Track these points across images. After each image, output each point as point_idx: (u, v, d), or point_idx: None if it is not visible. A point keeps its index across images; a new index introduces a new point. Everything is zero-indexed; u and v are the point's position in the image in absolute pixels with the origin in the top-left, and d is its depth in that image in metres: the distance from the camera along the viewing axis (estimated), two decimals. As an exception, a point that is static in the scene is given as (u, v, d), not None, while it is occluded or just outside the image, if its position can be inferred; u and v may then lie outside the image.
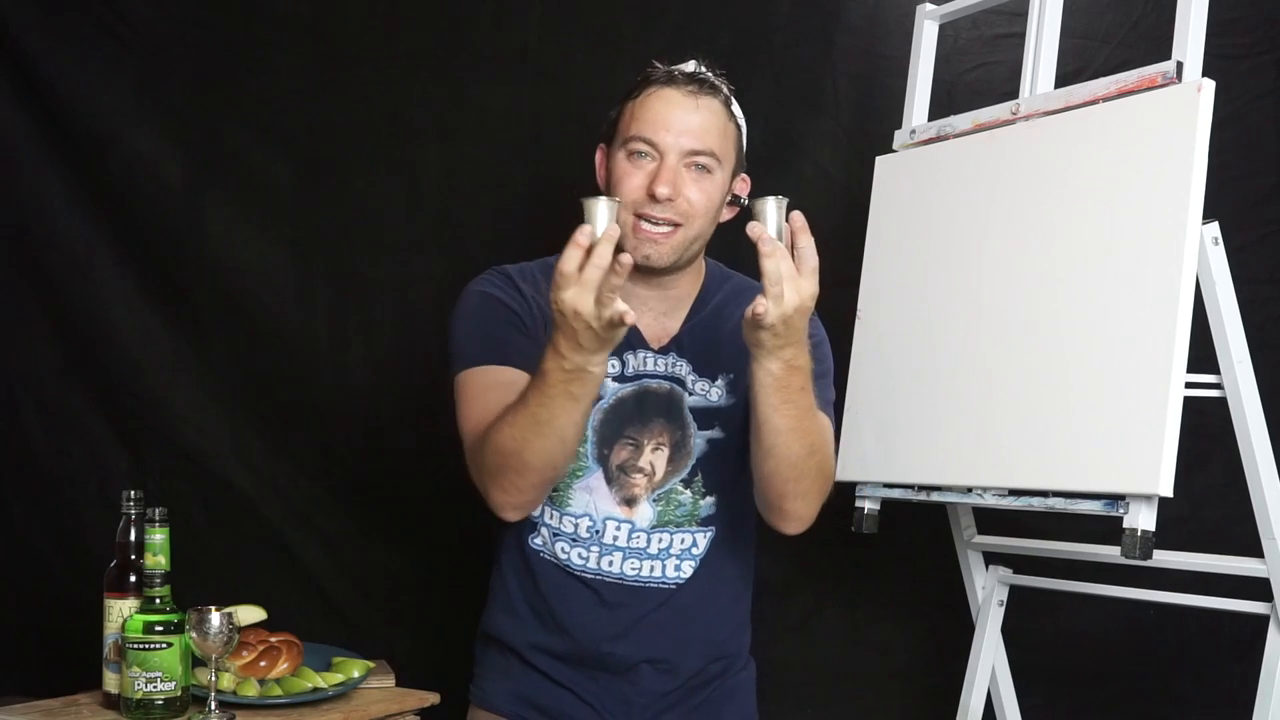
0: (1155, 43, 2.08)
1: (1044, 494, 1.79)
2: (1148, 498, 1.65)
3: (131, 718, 1.78)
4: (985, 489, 1.87)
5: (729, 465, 1.75)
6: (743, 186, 1.79)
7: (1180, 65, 1.74)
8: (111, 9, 2.51)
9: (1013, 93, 1.98)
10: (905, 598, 2.39)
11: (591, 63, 2.44)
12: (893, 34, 2.32)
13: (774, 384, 1.54)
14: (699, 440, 1.75)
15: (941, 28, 2.18)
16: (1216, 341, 1.77)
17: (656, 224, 1.68)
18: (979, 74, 2.33)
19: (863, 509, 2.06)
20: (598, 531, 1.75)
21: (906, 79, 2.17)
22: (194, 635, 1.73)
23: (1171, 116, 1.72)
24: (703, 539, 1.76)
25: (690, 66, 1.74)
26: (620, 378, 1.75)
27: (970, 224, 1.98)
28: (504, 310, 1.76)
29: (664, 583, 1.76)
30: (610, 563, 1.75)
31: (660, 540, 1.74)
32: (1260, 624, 1.80)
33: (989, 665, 2.14)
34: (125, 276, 2.53)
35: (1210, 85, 1.70)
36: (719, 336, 1.76)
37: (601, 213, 1.48)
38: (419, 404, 2.43)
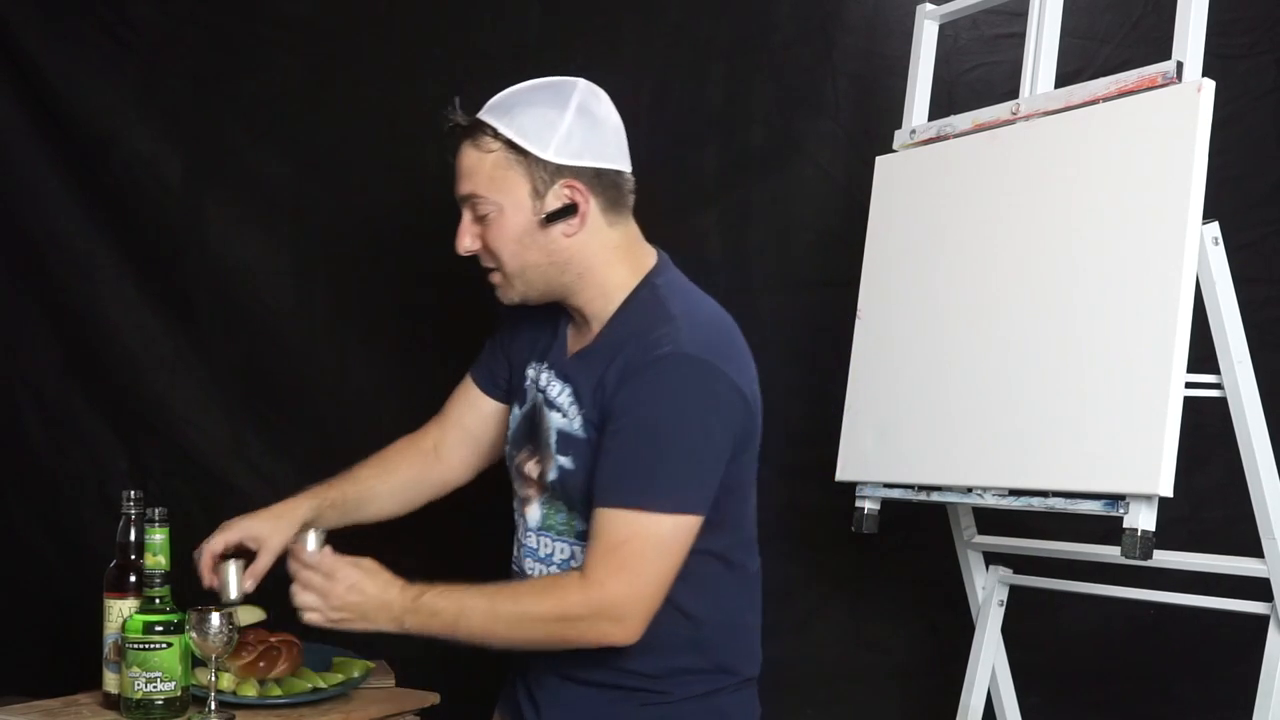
0: (1155, 43, 2.08)
1: (1044, 494, 1.79)
2: (1148, 498, 1.65)
3: (131, 718, 1.78)
4: (985, 489, 1.87)
5: (577, 496, 1.65)
6: (570, 192, 1.61)
7: (1180, 65, 1.74)
8: (111, 9, 2.51)
9: (1013, 93, 1.99)
10: (905, 598, 2.39)
11: (591, 63, 2.43)
12: (893, 34, 2.32)
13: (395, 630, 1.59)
14: (553, 464, 1.67)
15: (941, 28, 2.18)
16: (1216, 341, 1.77)
17: (488, 272, 1.68)
18: (979, 74, 2.33)
19: (863, 509, 2.07)
20: (516, 525, 1.75)
21: (906, 79, 2.17)
22: (194, 635, 1.73)
23: (1171, 116, 1.72)
24: (581, 554, 1.65)
25: (447, 125, 1.66)
26: (534, 383, 1.74)
27: (970, 224, 1.98)
28: (500, 317, 1.84)
29: None
30: (519, 559, 1.74)
31: (545, 545, 1.70)
32: (1260, 624, 1.80)
33: (989, 665, 2.14)
34: (125, 276, 2.53)
35: (1210, 85, 1.70)
36: (597, 367, 1.63)
37: (231, 577, 1.67)
38: (419, 404, 2.42)
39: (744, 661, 1.73)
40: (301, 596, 1.60)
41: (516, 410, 1.78)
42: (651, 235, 1.77)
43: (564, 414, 1.66)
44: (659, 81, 2.42)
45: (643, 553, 1.53)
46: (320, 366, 2.53)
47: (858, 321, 2.11)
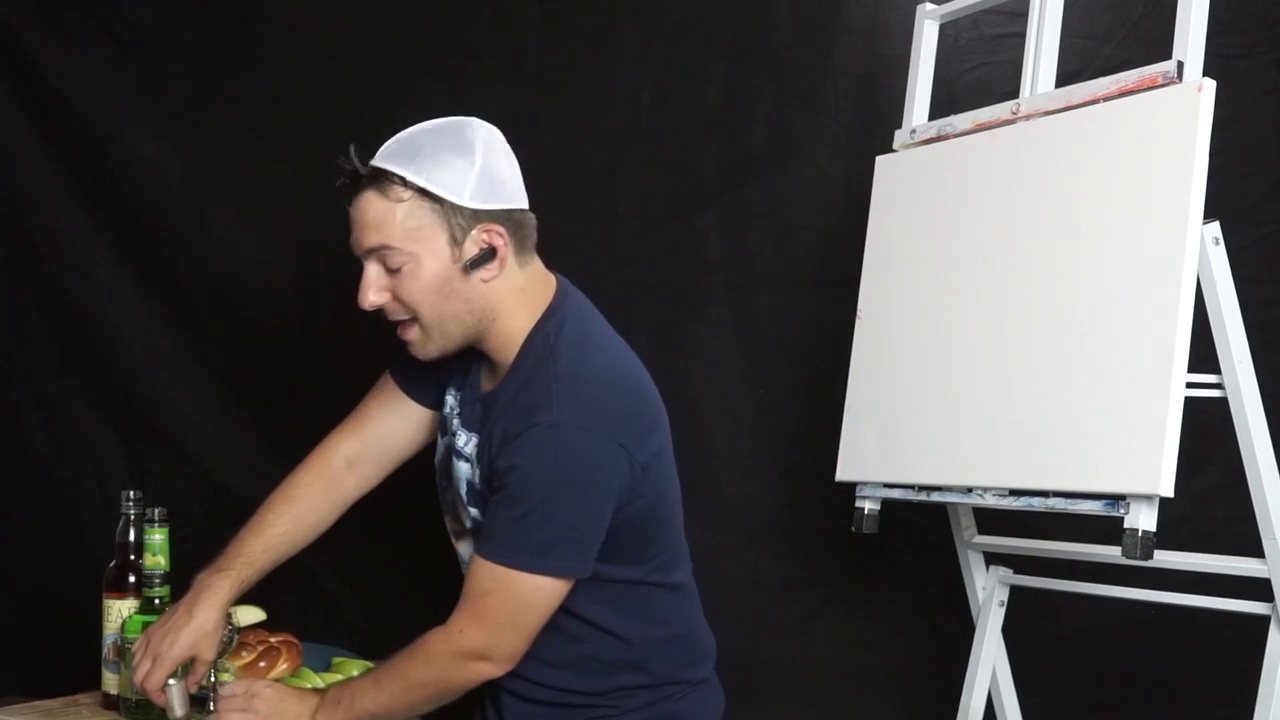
0: (1155, 43, 2.08)
1: (1044, 494, 1.79)
2: (1148, 498, 1.65)
3: (131, 718, 1.78)
4: (985, 489, 1.87)
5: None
6: (488, 236, 1.59)
7: (1180, 65, 1.74)
8: (111, 9, 2.51)
9: (1013, 93, 1.99)
10: (905, 598, 2.39)
11: (591, 63, 2.44)
12: (893, 34, 2.32)
13: None
14: (468, 513, 1.69)
15: (941, 28, 2.18)
16: (1217, 341, 1.77)
17: (397, 325, 1.64)
18: (979, 74, 2.33)
19: (863, 509, 2.07)
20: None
21: (906, 79, 2.17)
22: (194, 635, 1.73)
23: (1171, 116, 1.72)
24: None
25: (342, 177, 1.60)
26: (454, 414, 1.73)
27: (971, 224, 1.98)
28: None
29: None
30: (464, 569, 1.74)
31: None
32: (1260, 624, 1.80)
33: (989, 665, 2.14)
34: (125, 276, 2.53)
35: (1210, 85, 1.70)
36: (490, 417, 1.64)
37: (176, 697, 1.67)
38: (419, 404, 2.43)
39: (687, 669, 1.75)
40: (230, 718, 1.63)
41: (440, 440, 1.75)
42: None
43: (471, 465, 1.67)
44: (659, 81, 2.42)
45: (501, 607, 1.58)
46: (320, 366, 2.53)
47: (858, 321, 2.11)
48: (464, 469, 1.67)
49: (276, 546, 1.79)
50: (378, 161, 1.58)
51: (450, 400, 1.74)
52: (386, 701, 1.62)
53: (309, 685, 1.94)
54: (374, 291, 1.61)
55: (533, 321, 1.64)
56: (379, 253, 1.59)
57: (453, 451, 1.70)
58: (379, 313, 1.66)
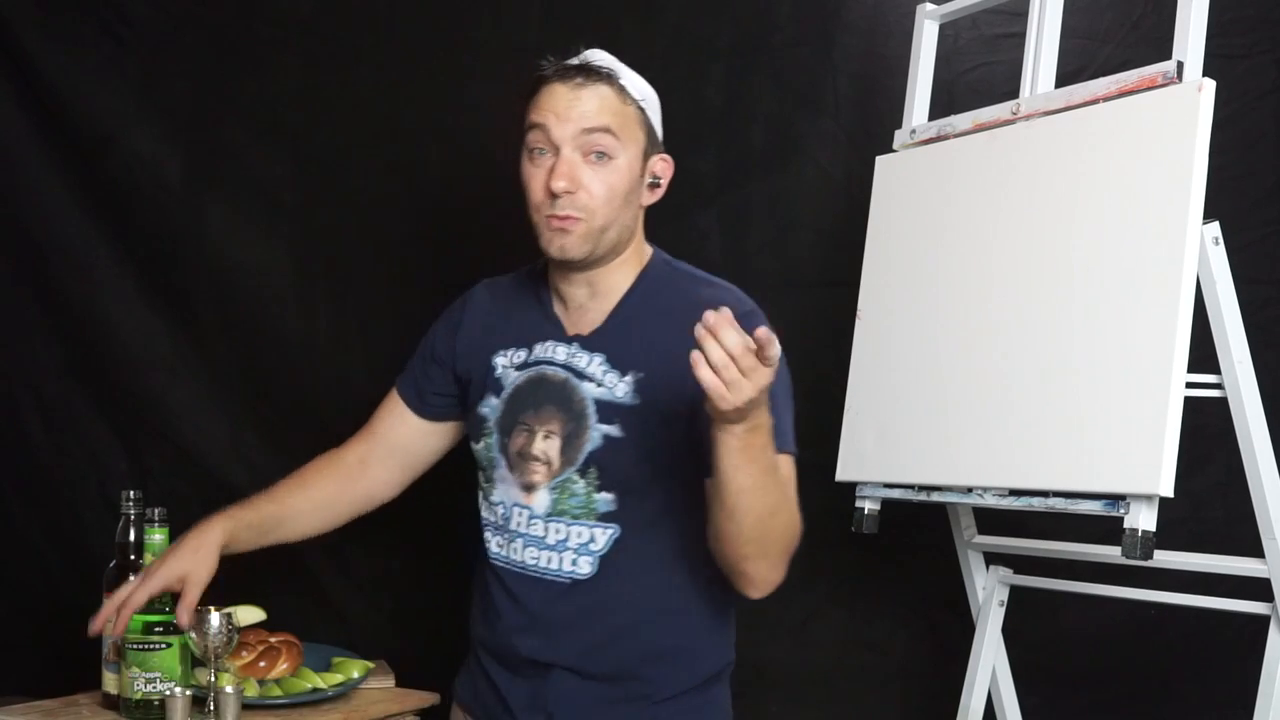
0: (1155, 43, 2.08)
1: (1044, 494, 1.79)
2: (1148, 498, 1.65)
3: (131, 718, 1.78)
4: (985, 489, 1.87)
5: (628, 466, 1.66)
6: (664, 167, 1.74)
7: (1180, 65, 1.74)
8: (111, 9, 2.51)
9: (1013, 93, 1.99)
10: (905, 598, 2.39)
11: (591, 63, 2.44)
12: (893, 34, 2.32)
13: (737, 445, 1.48)
14: (595, 433, 1.67)
15: (941, 28, 2.18)
16: (1216, 341, 1.77)
17: (563, 218, 1.65)
18: (979, 74, 2.33)
19: (863, 509, 2.07)
20: (507, 518, 1.72)
21: (906, 79, 2.17)
22: (194, 635, 1.73)
23: (1171, 116, 1.72)
24: (602, 536, 1.66)
25: (576, 60, 1.70)
26: (522, 365, 1.74)
27: (970, 224, 1.98)
28: (434, 331, 1.88)
29: (559, 576, 1.68)
30: (515, 550, 1.71)
31: (556, 530, 1.68)
32: (1260, 624, 1.80)
33: (989, 665, 2.14)
34: (125, 276, 2.53)
35: (1210, 85, 1.70)
36: (636, 333, 1.70)
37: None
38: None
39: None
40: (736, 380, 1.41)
41: (493, 400, 1.75)
42: (651, 235, 1.78)
43: (599, 383, 1.68)
44: (659, 81, 2.42)
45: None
46: (320, 366, 2.53)
47: (858, 321, 2.11)
48: (589, 388, 1.69)
49: (280, 501, 1.83)
50: (605, 66, 1.70)
51: (504, 359, 1.76)
52: (771, 508, 1.59)
53: (309, 685, 1.94)
54: (566, 179, 1.64)
55: (645, 257, 1.76)
56: (593, 136, 1.65)
57: (565, 380, 1.70)
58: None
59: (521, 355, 1.75)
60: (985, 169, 1.97)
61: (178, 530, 1.84)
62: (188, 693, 1.69)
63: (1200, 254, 1.70)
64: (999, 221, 1.93)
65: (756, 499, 1.53)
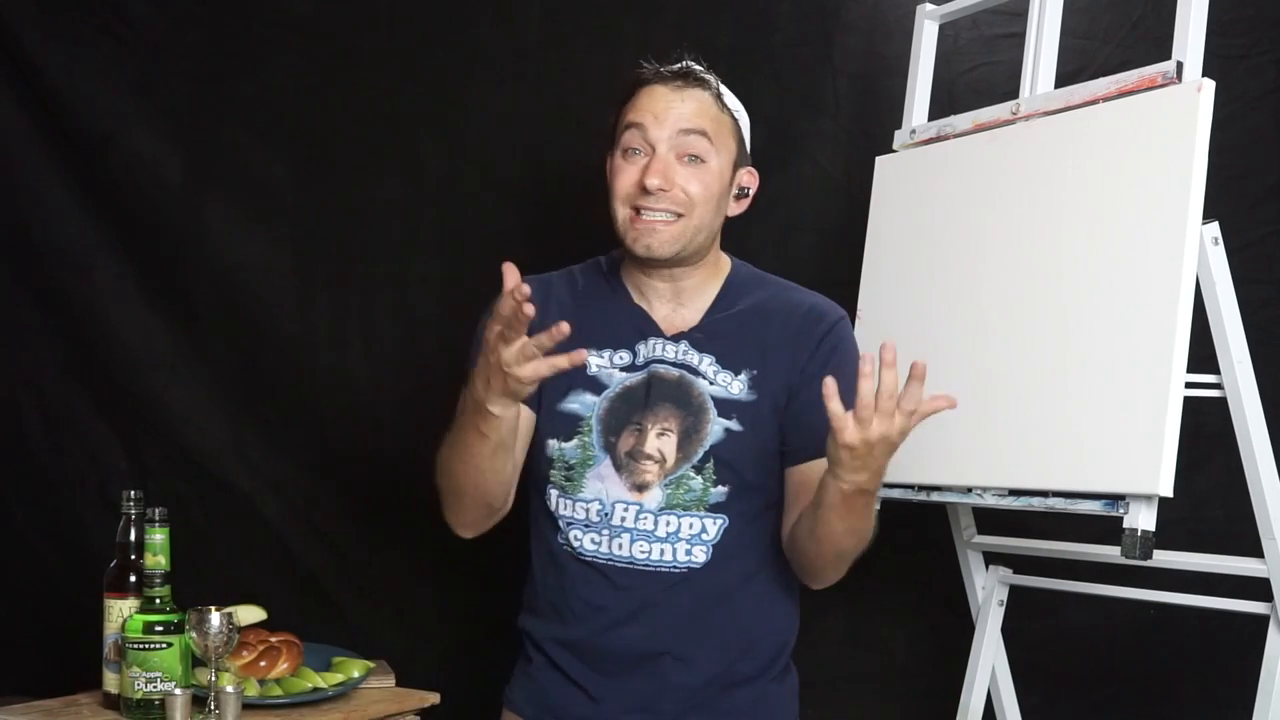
0: (1155, 43, 2.08)
1: (1044, 494, 1.79)
2: (1148, 498, 1.65)
3: (131, 718, 1.78)
4: (985, 489, 1.87)
5: (745, 459, 1.72)
6: (750, 179, 1.79)
7: (1180, 65, 1.74)
8: (111, 9, 2.51)
9: (1013, 93, 1.99)
10: (905, 598, 2.39)
11: (591, 63, 2.44)
12: (893, 34, 2.32)
13: (840, 497, 1.54)
14: (716, 427, 1.72)
15: (941, 28, 2.18)
16: (1216, 341, 1.77)
17: (654, 213, 1.68)
18: (979, 74, 2.33)
19: (863, 509, 2.06)
20: (607, 514, 1.73)
21: (906, 79, 2.17)
22: (194, 635, 1.74)
23: (1171, 116, 1.72)
24: (713, 525, 1.72)
25: (678, 66, 1.75)
26: (630, 367, 1.75)
27: (970, 224, 1.98)
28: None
29: (675, 566, 1.72)
30: (619, 545, 1.72)
31: (668, 523, 1.71)
32: (1260, 624, 1.80)
33: (989, 665, 2.14)
34: (125, 276, 2.53)
35: (1210, 85, 1.70)
36: (740, 333, 1.76)
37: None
38: (419, 404, 2.42)
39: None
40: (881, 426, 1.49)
41: (587, 397, 1.75)
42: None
43: (712, 381, 1.73)
44: (659, 81, 2.42)
45: None
46: (320, 366, 2.53)
47: (857, 321, 2.11)
48: (704, 385, 1.73)
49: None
50: (704, 73, 1.75)
51: (601, 359, 1.75)
52: (851, 534, 1.65)
53: (309, 685, 1.94)
54: (661, 176, 1.68)
55: (725, 262, 1.82)
56: (689, 138, 1.70)
57: (679, 377, 1.73)
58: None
59: (625, 356, 1.76)
60: (985, 169, 1.97)
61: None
62: (188, 692, 1.69)
63: (1200, 254, 1.70)
64: (999, 221, 1.93)
65: (843, 539, 1.63)
